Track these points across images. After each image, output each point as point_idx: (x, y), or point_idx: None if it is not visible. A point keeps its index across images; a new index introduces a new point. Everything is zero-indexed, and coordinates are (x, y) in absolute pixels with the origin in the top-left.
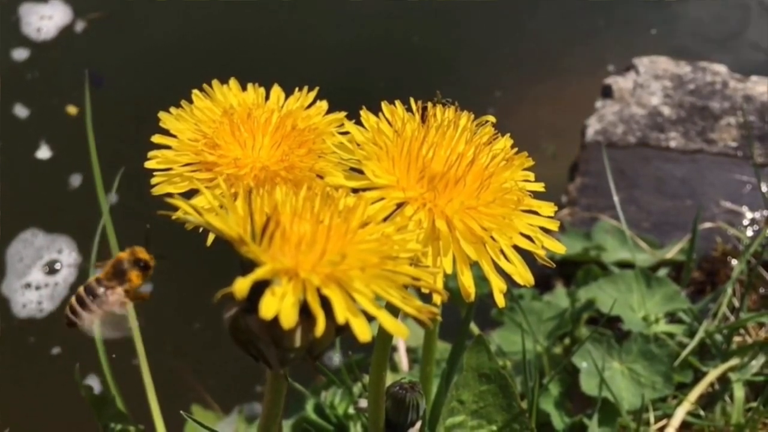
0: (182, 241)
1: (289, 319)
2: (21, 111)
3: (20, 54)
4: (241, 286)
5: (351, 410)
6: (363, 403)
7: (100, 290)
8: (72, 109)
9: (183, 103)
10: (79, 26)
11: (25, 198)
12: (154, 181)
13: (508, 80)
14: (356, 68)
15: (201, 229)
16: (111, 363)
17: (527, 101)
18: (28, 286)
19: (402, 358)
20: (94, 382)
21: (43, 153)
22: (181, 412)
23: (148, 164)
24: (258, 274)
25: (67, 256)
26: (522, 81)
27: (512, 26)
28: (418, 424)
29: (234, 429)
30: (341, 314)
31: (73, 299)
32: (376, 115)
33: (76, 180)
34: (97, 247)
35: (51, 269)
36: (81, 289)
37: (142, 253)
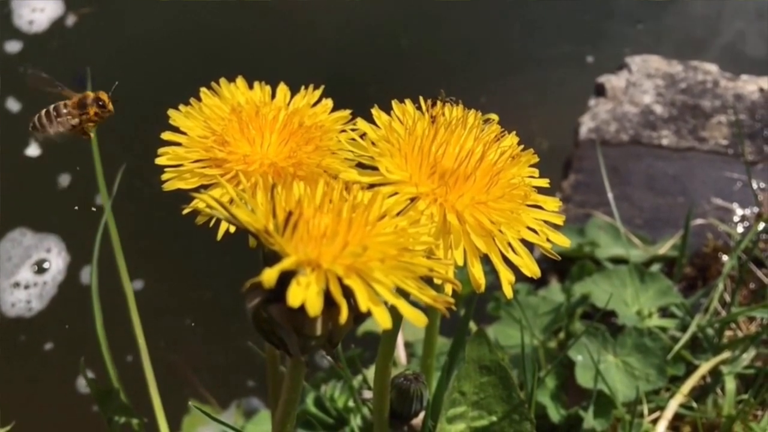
0: (172, 241)
1: (314, 307)
2: (13, 105)
3: (12, 46)
4: (269, 276)
5: (351, 403)
6: (367, 394)
7: (64, 111)
8: None
9: (192, 100)
10: (70, 20)
11: (14, 197)
12: (164, 177)
13: (497, 79)
14: (345, 72)
15: (212, 223)
16: (113, 359)
17: (517, 100)
18: (16, 285)
19: (400, 352)
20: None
21: (33, 150)
22: (190, 403)
23: (159, 160)
24: (284, 264)
25: (56, 255)
26: (511, 80)
27: (499, 26)
28: (422, 414)
29: (233, 422)
30: (364, 303)
31: (43, 112)
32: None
33: (64, 180)
34: (99, 245)
35: (40, 268)
36: (51, 107)
37: (104, 96)
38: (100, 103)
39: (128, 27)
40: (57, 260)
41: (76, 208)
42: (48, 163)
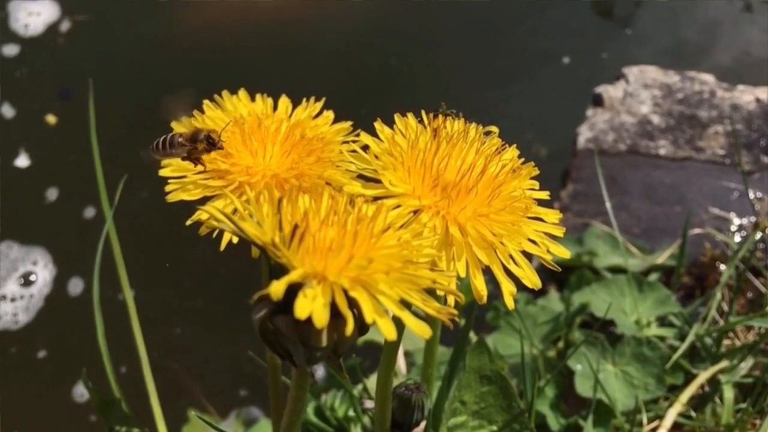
0: (161, 250)
1: (321, 319)
2: (8, 110)
3: (9, 50)
4: (277, 288)
5: (351, 413)
6: (368, 403)
7: (177, 141)
8: (51, 119)
9: (195, 112)
10: (65, 26)
11: (1, 209)
12: (168, 188)
13: (490, 89)
14: (335, 89)
15: (215, 234)
16: (103, 370)
17: (512, 108)
18: (3, 298)
19: (400, 362)
20: (80, 389)
21: (22, 161)
22: (192, 412)
23: (162, 172)
24: (291, 277)
25: (43, 268)
26: (505, 89)
27: (489, 37)
28: (423, 424)
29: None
30: (369, 315)
31: (161, 139)
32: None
33: (52, 192)
34: (100, 255)
35: (26, 281)
36: (169, 135)
37: (215, 134)
38: (211, 140)
39: (122, 35)
40: (44, 273)
41: (64, 220)
42: (36, 175)
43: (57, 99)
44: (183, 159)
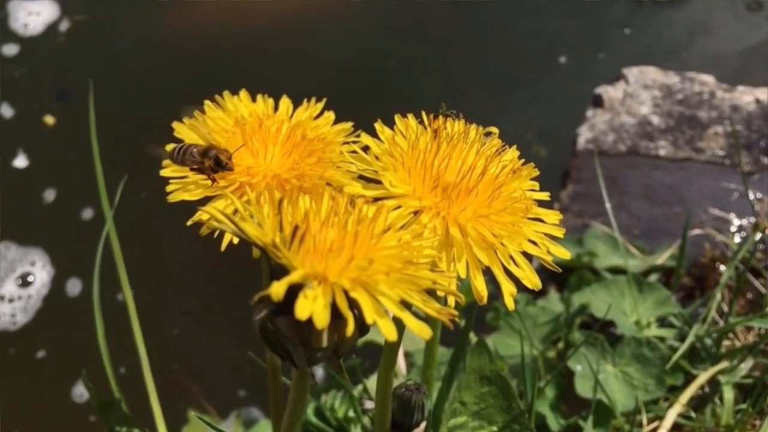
0: (158, 251)
1: (321, 320)
2: (6, 110)
3: (8, 50)
4: (277, 289)
5: (351, 413)
6: (369, 404)
7: (191, 151)
8: (49, 120)
9: (196, 113)
10: (65, 26)
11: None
12: (169, 188)
13: (488, 90)
14: (336, 91)
15: (216, 234)
16: (102, 370)
17: (511, 108)
18: (1, 298)
19: (400, 362)
20: (80, 389)
21: (20, 162)
22: (192, 413)
23: (163, 172)
24: (292, 278)
25: (41, 268)
26: (503, 90)
27: (485, 44)
28: (423, 425)
29: None
30: (370, 316)
31: (178, 147)
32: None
33: (50, 194)
34: (100, 256)
35: (24, 282)
36: (185, 145)
37: (225, 155)
38: (219, 159)
39: (122, 36)
40: (41, 273)
41: (63, 221)
42: (34, 176)
43: (55, 100)
44: (192, 170)
